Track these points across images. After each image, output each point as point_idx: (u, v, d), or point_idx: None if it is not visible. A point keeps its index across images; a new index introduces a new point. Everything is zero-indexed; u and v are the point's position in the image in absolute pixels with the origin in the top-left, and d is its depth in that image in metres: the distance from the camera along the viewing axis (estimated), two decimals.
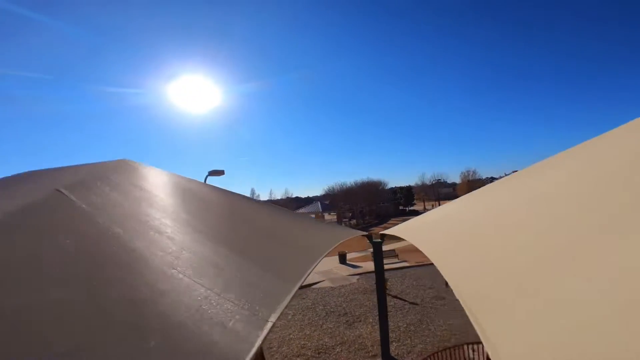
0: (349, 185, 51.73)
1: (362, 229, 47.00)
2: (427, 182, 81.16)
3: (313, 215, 64.15)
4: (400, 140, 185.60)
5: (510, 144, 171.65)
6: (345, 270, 20.75)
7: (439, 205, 46.19)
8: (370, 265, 20.93)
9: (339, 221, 49.83)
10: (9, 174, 2.82)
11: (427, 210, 62.54)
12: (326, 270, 21.37)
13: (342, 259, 23.38)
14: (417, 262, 20.68)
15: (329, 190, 49.43)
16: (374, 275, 7.72)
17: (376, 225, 49.78)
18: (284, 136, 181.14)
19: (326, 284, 18.01)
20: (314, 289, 17.02)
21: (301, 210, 53.28)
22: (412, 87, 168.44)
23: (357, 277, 19.12)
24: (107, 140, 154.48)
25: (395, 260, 22.33)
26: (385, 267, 19.80)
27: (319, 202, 51.22)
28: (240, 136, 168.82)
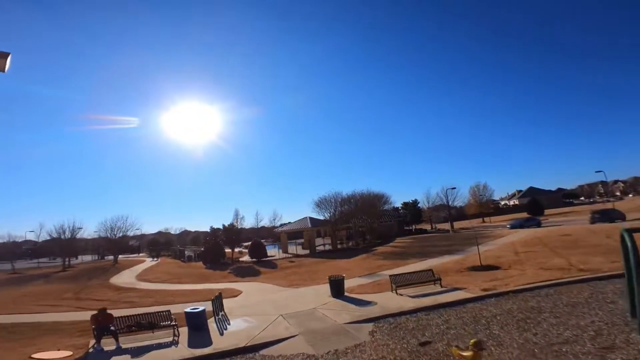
0: (346, 196, 43.28)
1: (364, 248, 38.13)
2: (435, 200, 72.90)
3: (299, 242, 54.90)
4: (401, 154, 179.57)
5: (518, 160, 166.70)
6: (342, 312, 12.10)
7: (452, 223, 37.57)
8: (393, 301, 12.53)
9: (334, 240, 40.88)
10: None
11: (439, 230, 53.40)
12: (307, 311, 12.83)
13: (337, 289, 14.52)
14: (486, 291, 12.18)
15: (320, 201, 40.90)
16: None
17: (379, 244, 40.99)
18: (278, 158, 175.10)
19: (299, 344, 9.24)
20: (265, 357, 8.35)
21: (284, 228, 44.32)
22: (414, 99, 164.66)
23: (370, 327, 10.39)
24: (91, 169, 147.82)
25: (437, 286, 13.78)
26: (420, 300, 12.50)
27: (308, 218, 42.52)
28: (233, 160, 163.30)
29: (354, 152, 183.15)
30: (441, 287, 14.20)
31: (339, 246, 41.29)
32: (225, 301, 15.72)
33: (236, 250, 37.38)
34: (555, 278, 13.27)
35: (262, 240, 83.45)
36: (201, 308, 11.99)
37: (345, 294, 14.80)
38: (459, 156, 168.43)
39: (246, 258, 35.89)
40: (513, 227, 38.69)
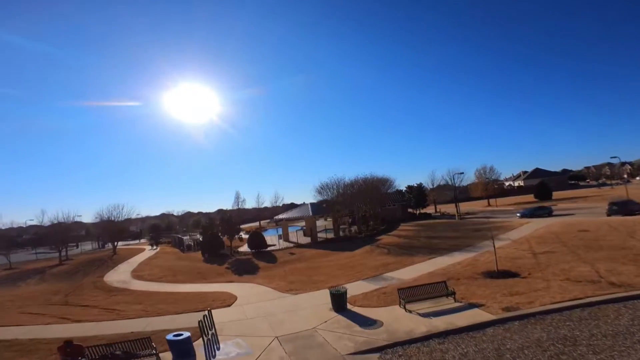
0: (348, 181, 41.62)
1: (367, 237, 36.94)
2: (440, 182, 71.30)
3: (300, 226, 53.66)
4: (405, 137, 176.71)
5: (524, 141, 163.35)
6: (344, 335, 10.73)
7: (457, 208, 35.81)
8: (401, 322, 10.98)
9: (336, 228, 39.62)
10: None
11: (444, 214, 51.96)
12: (305, 333, 11.23)
13: (339, 303, 13.15)
14: (508, 310, 10.77)
15: (321, 187, 39.33)
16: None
17: (383, 232, 39.75)
18: (280, 141, 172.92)
19: None
20: None
21: (285, 215, 43.02)
22: (419, 83, 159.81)
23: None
24: (100, 150, 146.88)
25: (450, 300, 12.37)
26: (432, 322, 11.21)
27: (309, 204, 41.05)
28: (235, 142, 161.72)
29: (357, 136, 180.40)
30: (454, 300, 12.79)
31: (341, 233, 40.09)
32: (218, 312, 14.50)
33: (237, 236, 36.20)
34: (585, 295, 11.76)
35: (266, 221, 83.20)
36: (186, 335, 10.65)
37: (348, 306, 13.46)
38: (464, 138, 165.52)
39: (245, 248, 34.80)
40: (523, 216, 37.08)
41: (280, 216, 43.21)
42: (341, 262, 23.91)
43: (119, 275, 27.22)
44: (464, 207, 60.92)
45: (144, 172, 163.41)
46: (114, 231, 46.20)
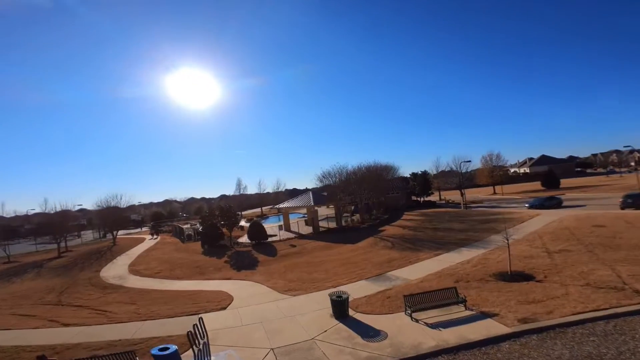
0: (351, 169, 40.42)
1: (370, 227, 36.04)
2: (445, 169, 69.97)
3: (303, 213, 52.79)
4: (409, 124, 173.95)
5: (529, 127, 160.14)
6: (345, 349, 9.88)
7: (463, 195, 34.60)
8: (407, 334, 9.73)
9: (338, 217, 38.74)
10: None
11: (448, 202, 50.74)
12: (303, 345, 10.05)
13: (340, 310, 12.27)
14: (524, 321, 9.84)
15: (323, 175, 38.20)
16: None
17: (387, 221, 38.87)
18: (282, 128, 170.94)
19: None
20: None
21: (286, 204, 42.14)
22: (424, 66, 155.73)
23: None
24: (101, 135, 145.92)
25: (460, 308, 11.49)
26: (442, 335, 10.38)
27: (310, 193, 40.03)
28: (237, 129, 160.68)
29: (361, 124, 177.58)
30: (465, 308, 11.86)
31: (343, 222, 39.26)
32: (212, 317, 13.76)
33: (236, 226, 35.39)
34: (610, 305, 10.76)
35: (268, 207, 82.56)
36: (172, 349, 9.82)
37: (350, 312, 12.60)
38: (469, 124, 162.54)
39: (246, 239, 34.06)
40: (532, 206, 35.86)
41: (281, 205, 42.27)
42: (343, 256, 23.06)
43: (116, 270, 26.64)
44: (469, 194, 59.74)
45: (148, 158, 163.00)
46: (113, 220, 45.63)
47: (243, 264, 24.57)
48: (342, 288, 15.59)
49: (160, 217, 76.89)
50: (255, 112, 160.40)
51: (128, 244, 44.06)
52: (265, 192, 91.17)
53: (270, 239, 33.03)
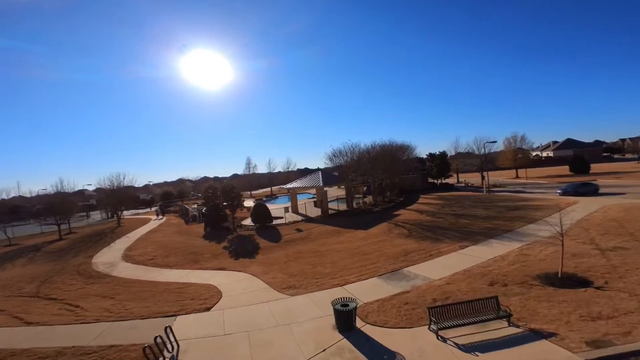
0: (364, 148, 37.16)
1: (383, 211, 33.24)
2: (466, 150, 65.68)
3: (312, 194, 50.14)
4: (427, 103, 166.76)
5: (554, 109, 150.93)
6: None
7: (484, 178, 30.86)
8: (436, 358, 7.59)
9: (349, 199, 36.00)
10: None
11: (468, 185, 47.14)
12: None
13: (345, 322, 9.69)
14: (595, 345, 7.26)
15: (334, 154, 35.15)
16: None
17: (402, 205, 35.96)
18: (293, 109, 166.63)
19: None
20: None
21: (294, 185, 39.53)
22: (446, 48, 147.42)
23: None
24: (114, 116, 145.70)
25: (503, 323, 8.72)
26: None
27: (319, 172, 37.19)
28: (249, 109, 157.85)
29: (374, 103, 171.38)
30: (509, 324, 9.10)
31: (354, 205, 36.56)
32: (190, 320, 11.47)
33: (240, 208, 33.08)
34: None
35: (278, 187, 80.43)
36: None
37: (358, 322, 10.02)
38: (490, 106, 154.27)
39: (250, 221, 31.87)
40: (565, 193, 32.22)
41: (289, 185, 39.64)
42: (353, 245, 20.44)
43: (110, 255, 24.89)
44: (490, 177, 55.88)
45: (162, 138, 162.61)
46: (117, 200, 44.21)
47: (243, 250, 22.32)
48: (349, 288, 13.03)
49: (170, 196, 75.80)
50: (266, 93, 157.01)
51: (132, 225, 42.73)
52: (276, 171, 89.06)
53: (276, 222, 30.73)
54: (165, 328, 9.64)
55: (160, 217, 50.30)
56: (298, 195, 43.97)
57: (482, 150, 53.91)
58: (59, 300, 15.24)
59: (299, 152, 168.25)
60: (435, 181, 56.33)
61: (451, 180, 57.85)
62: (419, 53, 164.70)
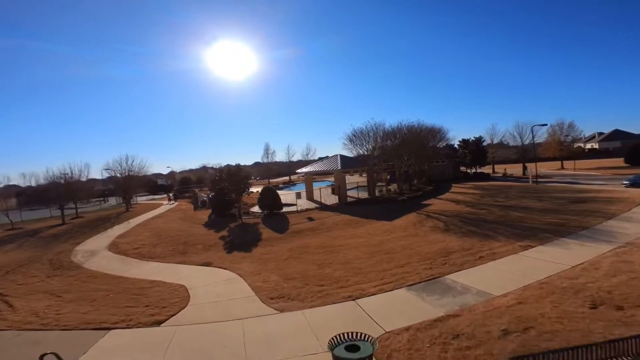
0: (389, 129, 32.24)
1: (410, 200, 28.47)
2: (505, 137, 58.71)
3: (330, 180, 45.76)
4: (459, 87, 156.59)
5: (600, 98, 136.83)
6: None
7: (525, 169, 24.05)
8: None
9: (371, 186, 31.51)
10: None
11: (507, 175, 40.93)
12: None
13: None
14: None
15: (354, 134, 30.56)
16: None
17: (431, 194, 31.18)
18: (316, 97, 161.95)
19: None
20: None
21: (309, 169, 35.42)
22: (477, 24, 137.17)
23: None
24: (141, 107, 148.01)
25: None
26: None
27: (338, 156, 32.81)
28: (271, 99, 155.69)
29: (402, 83, 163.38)
30: None
31: (377, 193, 32.02)
32: (123, 340, 7.65)
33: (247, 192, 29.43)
34: None
35: (297, 175, 76.99)
36: None
37: None
38: (530, 91, 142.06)
39: (257, 208, 28.22)
40: (634, 184, 26.71)
41: (303, 169, 35.52)
42: (374, 239, 16.14)
43: (98, 242, 22.04)
44: (533, 167, 49.20)
45: (187, 127, 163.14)
46: (127, 185, 41.99)
47: (241, 241, 18.60)
48: (365, 303, 8.82)
49: (189, 182, 74.20)
50: (288, 82, 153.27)
51: (140, 210, 40.45)
52: (296, 160, 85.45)
53: (287, 209, 26.91)
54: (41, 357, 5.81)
55: (172, 202, 48.17)
56: (316, 184, 40.06)
57: (525, 138, 47.42)
58: (8, 297, 12.08)
59: (319, 140, 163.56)
60: (469, 170, 50.57)
61: (485, 170, 51.80)
62: (449, 37, 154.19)
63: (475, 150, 46.46)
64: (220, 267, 13.71)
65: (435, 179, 42.18)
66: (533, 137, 44.78)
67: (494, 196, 26.76)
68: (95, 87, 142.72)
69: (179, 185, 72.23)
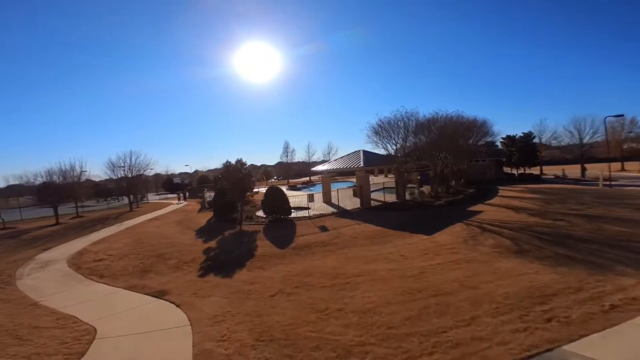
0: (423, 119, 26.43)
1: (450, 206, 21.97)
2: (558, 135, 50.82)
3: (353, 182, 40.45)
4: (500, 76, 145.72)
5: None
6: None
7: (585, 171, 18.44)
8: None
9: (400, 188, 26.04)
10: None
11: (563, 177, 32.61)
12: None
13: None
14: None
15: (380, 125, 25.07)
16: None
17: (475, 198, 25.43)
18: (339, 93, 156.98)
19: None
20: None
21: (325, 167, 30.38)
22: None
23: None
24: (167, 109, 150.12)
25: None
26: None
27: (360, 152, 27.52)
28: (294, 99, 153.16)
29: (436, 72, 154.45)
30: None
31: (407, 196, 26.49)
32: None
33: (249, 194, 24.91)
34: None
35: (317, 176, 72.31)
36: None
37: None
38: (584, 85, 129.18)
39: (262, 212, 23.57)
40: None
41: (320, 167, 30.55)
42: (410, 265, 10.88)
43: (66, 250, 18.27)
44: (588, 168, 41.57)
45: (209, 125, 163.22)
46: (130, 184, 38.82)
47: (227, 257, 13.93)
48: None
49: (206, 181, 71.42)
50: (311, 80, 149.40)
51: (146, 210, 37.21)
52: (319, 159, 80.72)
53: (298, 214, 22.17)
54: None
55: (181, 202, 44.97)
56: (336, 184, 35.03)
57: (585, 134, 39.96)
58: None
59: (340, 139, 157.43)
60: (514, 171, 43.69)
61: (533, 170, 44.59)
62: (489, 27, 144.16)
63: (524, 148, 39.56)
64: (173, 303, 9.01)
65: (474, 181, 36.03)
66: (606, 134, 37.22)
67: (562, 202, 20.65)
68: (133, 92, 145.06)
69: (197, 184, 69.65)
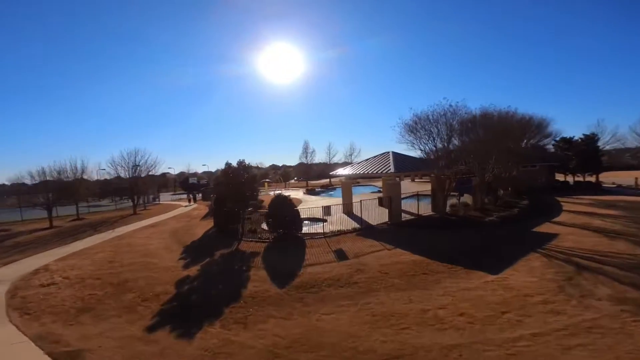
0: (466, 115, 21.17)
1: (504, 223, 17.39)
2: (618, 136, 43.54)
3: (379, 187, 35.53)
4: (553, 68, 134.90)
5: None
6: None
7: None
8: None
9: (440, 199, 21.11)
10: None
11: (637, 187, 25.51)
12: None
13: None
14: None
15: (415, 121, 20.25)
16: None
17: (531, 214, 20.41)
18: (365, 95, 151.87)
19: None
20: None
21: (347, 171, 25.84)
22: None
23: None
24: (189, 111, 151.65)
25: None
26: None
27: (390, 154, 22.81)
28: (318, 101, 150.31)
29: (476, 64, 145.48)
30: None
31: (448, 209, 21.56)
32: None
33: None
34: None
35: (337, 178, 67.33)
36: None
37: None
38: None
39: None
40: None
41: (340, 171, 25.95)
42: (484, 339, 6.41)
43: (28, 266, 15.04)
44: (622, 176, 34.29)
45: (231, 124, 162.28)
46: (134, 185, 36.02)
47: (203, 297, 9.91)
48: None
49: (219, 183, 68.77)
50: (335, 81, 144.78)
51: (151, 213, 34.40)
52: (339, 160, 76.33)
53: (311, 226, 17.97)
54: None
55: (190, 204, 42.14)
56: (358, 188, 30.49)
57: None
58: None
59: (363, 141, 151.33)
60: (569, 178, 37.37)
61: (590, 179, 37.98)
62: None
63: (584, 152, 33.27)
64: None
65: (523, 189, 30.37)
66: None
67: None
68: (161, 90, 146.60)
69: (215, 184, 67.14)
